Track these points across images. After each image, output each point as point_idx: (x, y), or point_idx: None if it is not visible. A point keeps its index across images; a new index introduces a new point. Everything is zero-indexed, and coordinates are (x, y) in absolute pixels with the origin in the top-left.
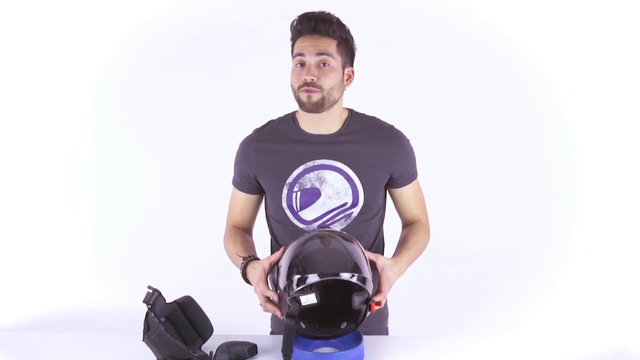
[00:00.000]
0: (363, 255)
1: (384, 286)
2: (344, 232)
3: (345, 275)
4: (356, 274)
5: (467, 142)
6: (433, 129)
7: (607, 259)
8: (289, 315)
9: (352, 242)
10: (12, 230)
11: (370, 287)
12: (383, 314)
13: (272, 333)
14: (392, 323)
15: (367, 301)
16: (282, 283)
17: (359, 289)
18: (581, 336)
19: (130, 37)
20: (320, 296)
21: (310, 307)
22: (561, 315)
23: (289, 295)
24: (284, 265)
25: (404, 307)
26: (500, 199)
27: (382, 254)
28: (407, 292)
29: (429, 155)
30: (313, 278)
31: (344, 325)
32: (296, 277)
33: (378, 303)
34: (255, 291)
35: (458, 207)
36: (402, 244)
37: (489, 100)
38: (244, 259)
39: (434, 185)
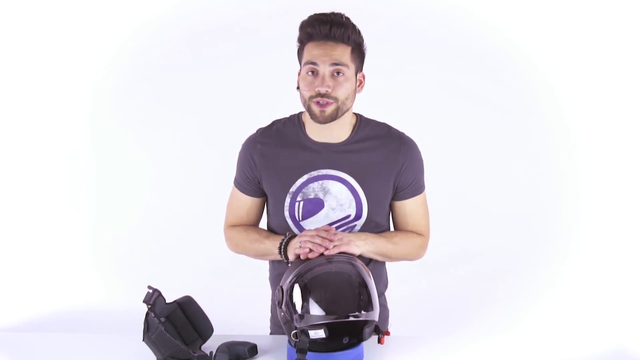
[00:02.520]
0: (369, 277)
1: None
2: (347, 254)
3: (353, 317)
4: (364, 312)
5: (467, 142)
6: (433, 129)
7: (607, 259)
8: (299, 350)
9: (355, 265)
10: (12, 230)
11: (377, 316)
12: (384, 315)
13: (272, 333)
14: (390, 320)
15: (377, 329)
16: (285, 308)
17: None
18: (581, 336)
19: (130, 37)
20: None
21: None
22: (561, 315)
23: (296, 328)
24: (286, 289)
25: (404, 307)
26: (500, 199)
27: (385, 272)
28: (407, 292)
29: (429, 156)
30: (322, 320)
31: (346, 340)
32: (302, 311)
33: (386, 333)
34: (303, 234)
35: (458, 207)
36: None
37: (489, 100)
38: (287, 235)
39: (434, 185)
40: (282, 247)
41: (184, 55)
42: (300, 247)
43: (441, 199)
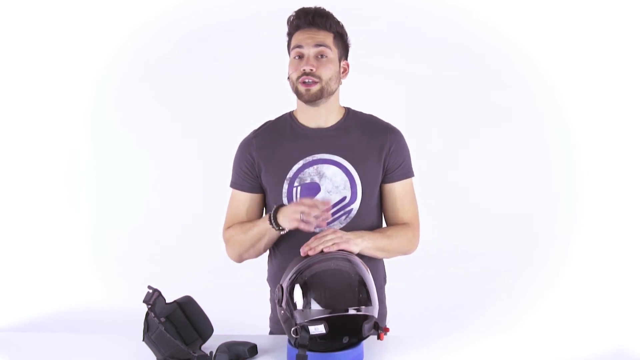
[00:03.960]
0: (367, 273)
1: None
2: (347, 252)
3: (352, 311)
4: (363, 306)
5: (467, 142)
6: (433, 129)
7: (607, 259)
8: (300, 345)
9: (352, 261)
10: (13, 230)
11: (376, 312)
12: (382, 312)
13: (271, 333)
14: (390, 320)
15: (376, 325)
16: (285, 305)
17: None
18: (581, 336)
19: (131, 37)
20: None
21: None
22: (561, 315)
23: (296, 324)
24: (286, 287)
25: (403, 307)
26: (500, 199)
27: (383, 266)
28: (406, 291)
29: (429, 155)
30: (322, 314)
31: (346, 339)
32: (302, 306)
33: (386, 329)
34: (299, 203)
35: (458, 207)
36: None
37: (489, 101)
38: (275, 207)
39: (434, 185)
40: (272, 216)
41: (184, 55)
42: (302, 219)
43: (442, 199)
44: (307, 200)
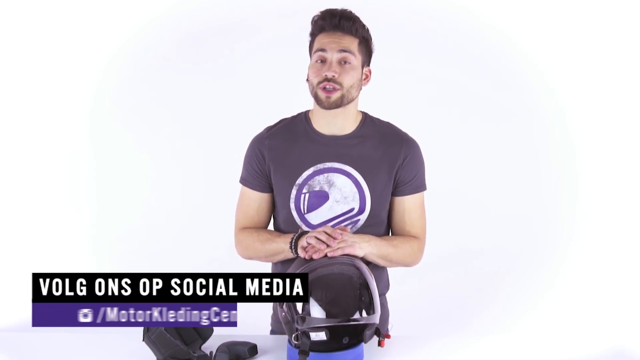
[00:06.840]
0: (372, 280)
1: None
2: (350, 256)
3: (354, 321)
4: (365, 315)
5: (467, 142)
6: (433, 129)
7: (607, 259)
8: (301, 352)
9: (358, 267)
10: (12, 230)
11: (378, 319)
12: (384, 316)
13: (272, 333)
14: (392, 323)
15: (378, 332)
16: (286, 308)
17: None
18: (581, 336)
19: (131, 37)
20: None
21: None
22: (561, 315)
23: (297, 330)
24: None
25: (403, 307)
26: (500, 199)
27: (386, 273)
28: (407, 291)
29: (429, 155)
30: (323, 323)
31: (346, 340)
32: (303, 313)
33: (387, 336)
34: (315, 231)
35: (458, 206)
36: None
37: (490, 101)
38: (299, 231)
39: (434, 184)
40: (293, 242)
41: (184, 55)
42: (306, 241)
43: (441, 198)
44: (320, 229)
